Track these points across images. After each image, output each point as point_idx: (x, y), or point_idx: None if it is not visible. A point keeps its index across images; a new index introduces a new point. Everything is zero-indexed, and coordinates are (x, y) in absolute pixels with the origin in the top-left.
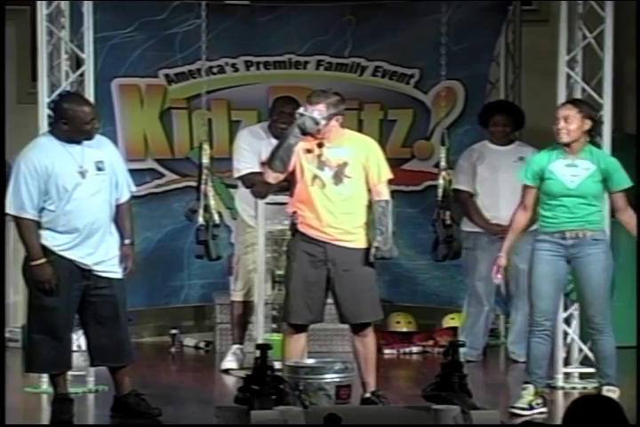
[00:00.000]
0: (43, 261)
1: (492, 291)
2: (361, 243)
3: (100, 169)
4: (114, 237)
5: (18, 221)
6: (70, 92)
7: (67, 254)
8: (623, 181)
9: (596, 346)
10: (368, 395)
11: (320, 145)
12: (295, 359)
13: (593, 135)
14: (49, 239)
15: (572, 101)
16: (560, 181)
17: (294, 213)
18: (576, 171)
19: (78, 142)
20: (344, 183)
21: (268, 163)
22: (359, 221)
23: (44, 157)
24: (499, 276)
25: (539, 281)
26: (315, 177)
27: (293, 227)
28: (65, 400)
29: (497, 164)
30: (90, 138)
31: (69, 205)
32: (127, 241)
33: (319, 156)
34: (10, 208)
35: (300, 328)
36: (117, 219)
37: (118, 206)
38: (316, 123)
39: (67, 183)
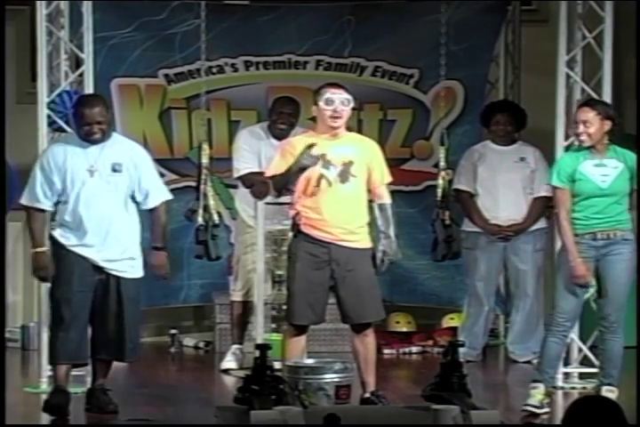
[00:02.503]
0: (42, 249)
1: (491, 291)
2: (364, 243)
3: (115, 170)
4: (132, 239)
5: (27, 210)
6: (85, 95)
7: (76, 250)
8: None
9: (605, 345)
10: (367, 395)
11: (334, 135)
12: (295, 359)
13: (613, 134)
14: (59, 237)
15: (588, 103)
16: (592, 181)
17: (297, 213)
18: (606, 170)
19: (95, 143)
20: (350, 182)
21: (276, 190)
22: (362, 221)
23: (61, 151)
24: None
25: (565, 281)
26: (321, 176)
27: (296, 228)
28: (61, 392)
29: (497, 164)
30: (92, 141)
31: (75, 201)
32: (155, 244)
33: (323, 155)
34: (23, 199)
35: (301, 329)
36: (151, 223)
37: (151, 211)
38: (317, 158)
39: (75, 180)
